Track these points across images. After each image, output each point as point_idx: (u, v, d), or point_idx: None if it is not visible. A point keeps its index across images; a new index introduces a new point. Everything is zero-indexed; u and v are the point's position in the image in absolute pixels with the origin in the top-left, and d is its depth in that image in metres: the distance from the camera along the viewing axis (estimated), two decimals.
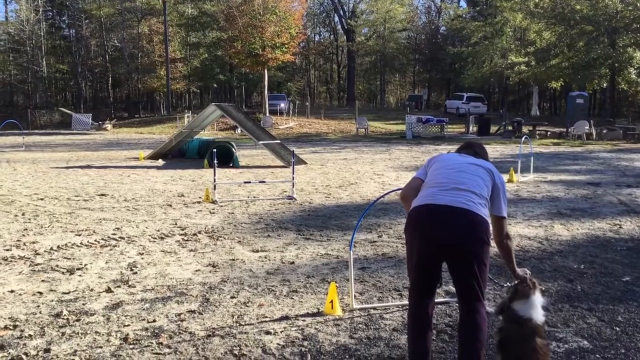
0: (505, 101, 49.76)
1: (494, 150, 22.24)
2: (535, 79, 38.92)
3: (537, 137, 27.72)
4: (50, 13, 58.75)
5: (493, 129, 31.00)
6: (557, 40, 37.39)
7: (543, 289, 5.07)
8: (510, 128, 29.96)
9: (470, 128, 32.06)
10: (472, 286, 3.18)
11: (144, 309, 4.69)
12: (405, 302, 4.84)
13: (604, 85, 37.32)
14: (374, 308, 4.74)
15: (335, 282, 4.99)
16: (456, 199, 3.19)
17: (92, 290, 5.18)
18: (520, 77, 40.82)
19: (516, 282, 3.45)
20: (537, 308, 3.22)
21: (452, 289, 5.08)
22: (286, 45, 37.43)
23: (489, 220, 3.28)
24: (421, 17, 66.97)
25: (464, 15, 55.48)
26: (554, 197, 10.55)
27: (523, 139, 15.29)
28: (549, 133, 29.27)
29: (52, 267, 5.90)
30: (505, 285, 3.49)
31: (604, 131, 27.64)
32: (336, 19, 66.99)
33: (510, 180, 12.54)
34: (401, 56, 61.71)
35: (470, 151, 3.66)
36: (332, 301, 4.57)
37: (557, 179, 13.24)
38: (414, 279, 3.33)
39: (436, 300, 4.85)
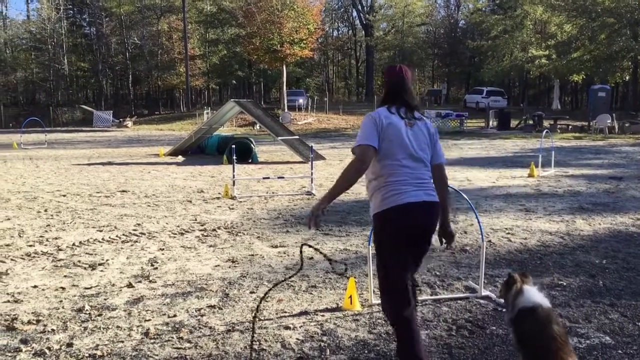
0: (526, 95, 49.29)
1: (514, 144, 22.05)
2: (556, 73, 38.48)
3: (559, 131, 27.41)
4: (71, 11, 59.34)
5: (513, 123, 30.73)
6: (579, 33, 36.92)
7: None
8: (530, 122, 29.66)
9: (490, 122, 31.80)
10: (421, 264, 3.52)
11: (164, 304, 4.73)
12: (425, 297, 4.84)
13: (627, 78, 36.81)
14: None
15: (354, 277, 5.00)
16: (426, 192, 3.37)
17: (113, 285, 5.24)
18: (541, 71, 40.40)
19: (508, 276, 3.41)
20: (536, 294, 3.19)
21: (472, 284, 5.07)
22: (304, 41, 37.43)
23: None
24: (440, 11, 66.55)
25: (483, 9, 55.06)
26: (576, 192, 10.43)
27: (544, 133, 15.14)
28: (570, 127, 28.92)
29: (74, 263, 5.97)
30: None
31: (627, 124, 27.22)
32: (354, 14, 66.84)
33: (531, 175, 12.43)
34: (420, 51, 61.38)
35: (402, 105, 3.51)
36: (351, 296, 4.57)
37: (579, 173, 13.08)
38: (397, 273, 3.36)
39: (455, 296, 4.85)
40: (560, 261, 5.90)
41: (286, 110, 37.83)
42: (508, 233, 7.16)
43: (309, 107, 42.02)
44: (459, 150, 19.62)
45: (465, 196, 5.07)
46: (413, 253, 3.39)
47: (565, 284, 5.18)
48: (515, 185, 11.35)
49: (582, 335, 4.06)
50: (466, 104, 44.59)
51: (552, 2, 36.55)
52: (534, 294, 3.18)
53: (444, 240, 3.63)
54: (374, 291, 4.82)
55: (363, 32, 63.31)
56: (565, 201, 9.47)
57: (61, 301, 4.83)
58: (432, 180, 3.46)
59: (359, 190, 10.88)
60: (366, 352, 3.83)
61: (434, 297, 4.88)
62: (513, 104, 48.30)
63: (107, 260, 6.07)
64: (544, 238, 6.91)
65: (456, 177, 12.42)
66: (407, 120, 3.44)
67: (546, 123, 28.74)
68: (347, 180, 3.34)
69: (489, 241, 6.70)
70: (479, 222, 4.98)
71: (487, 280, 5.19)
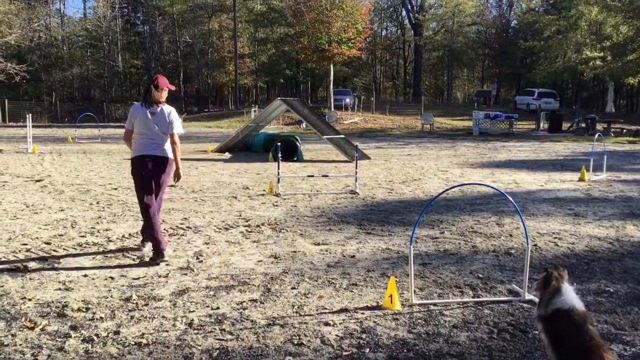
0: (579, 97, 48.04)
1: (566, 148, 21.55)
2: (611, 75, 37.40)
3: (612, 134, 26.63)
4: (126, 10, 60.92)
5: (565, 126, 30.03)
6: (635, 35, 35.74)
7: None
8: (583, 125, 28.93)
9: (541, 125, 31.14)
10: (160, 194, 6.06)
11: (208, 297, 4.84)
12: (466, 299, 4.82)
13: None
14: (434, 304, 4.72)
15: (395, 276, 5.00)
16: (153, 148, 5.90)
17: (160, 276, 5.39)
18: (595, 73, 39.31)
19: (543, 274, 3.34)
20: (573, 296, 3.14)
21: (516, 287, 5.01)
22: (352, 41, 37.39)
23: (170, 156, 6.02)
24: (492, 10, 65.45)
25: (536, 9, 53.86)
26: (628, 197, 10.14)
27: (596, 136, 14.74)
28: (624, 131, 28.05)
29: (123, 254, 6.16)
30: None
31: None
32: (404, 13, 66.40)
33: (581, 179, 12.14)
34: (470, 51, 60.55)
35: (146, 100, 5.94)
36: (391, 295, 4.58)
37: (632, 178, 12.70)
38: (140, 194, 5.97)
39: (498, 299, 4.80)
40: (608, 267, 5.76)
41: (332, 109, 37.89)
42: (555, 237, 7.02)
43: (356, 107, 42.00)
44: (507, 153, 19.30)
45: (511, 199, 5.00)
46: (144, 182, 5.91)
47: (612, 290, 5.06)
48: (565, 189, 11.10)
49: (628, 343, 3.96)
50: (516, 106, 43.71)
51: (608, 2, 35.52)
52: (572, 296, 3.14)
53: (175, 179, 6.11)
54: (414, 291, 4.82)
55: (412, 31, 62.83)
56: (617, 206, 9.22)
57: (110, 290, 4.99)
58: (164, 142, 5.95)
59: (402, 191, 10.86)
60: (405, 351, 3.84)
61: (476, 299, 4.84)
62: (565, 106, 47.18)
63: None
64: (592, 243, 6.76)
65: (503, 180, 12.24)
66: (150, 110, 5.90)
67: (599, 126, 27.95)
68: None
69: (535, 245, 6.59)
70: (524, 226, 4.90)
71: (531, 284, 5.11)
